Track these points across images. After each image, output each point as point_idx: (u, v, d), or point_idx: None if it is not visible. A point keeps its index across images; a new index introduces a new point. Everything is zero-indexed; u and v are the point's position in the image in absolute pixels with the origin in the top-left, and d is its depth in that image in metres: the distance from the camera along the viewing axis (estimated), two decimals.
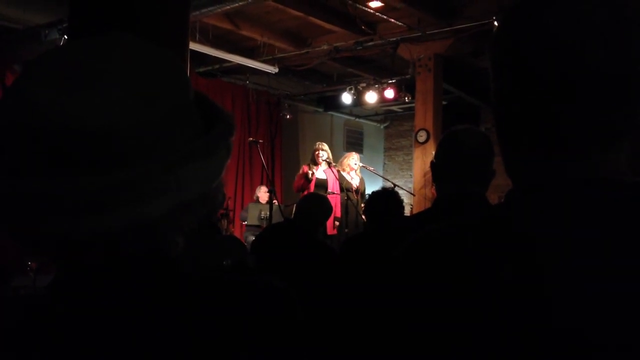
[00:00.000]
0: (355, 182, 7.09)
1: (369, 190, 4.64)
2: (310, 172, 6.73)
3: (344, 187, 6.76)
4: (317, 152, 6.89)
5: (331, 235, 6.66)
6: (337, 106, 10.40)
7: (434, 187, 2.03)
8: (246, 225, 7.68)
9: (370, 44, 7.56)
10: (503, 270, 0.60)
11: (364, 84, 8.73)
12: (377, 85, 8.57)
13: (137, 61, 0.59)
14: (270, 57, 8.15)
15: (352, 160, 7.22)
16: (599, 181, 0.61)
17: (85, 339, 0.58)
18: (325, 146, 7.00)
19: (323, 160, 6.81)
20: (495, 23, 6.10)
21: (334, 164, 7.00)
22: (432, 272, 0.65)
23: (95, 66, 0.57)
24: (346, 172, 7.10)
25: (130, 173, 0.54)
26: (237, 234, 8.11)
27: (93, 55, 0.58)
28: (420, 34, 7.18)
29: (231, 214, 8.06)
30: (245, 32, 7.56)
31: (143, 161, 0.55)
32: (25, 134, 0.54)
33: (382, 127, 12.61)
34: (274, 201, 6.65)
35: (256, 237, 4.18)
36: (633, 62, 0.60)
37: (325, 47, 7.78)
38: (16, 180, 0.54)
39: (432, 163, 1.90)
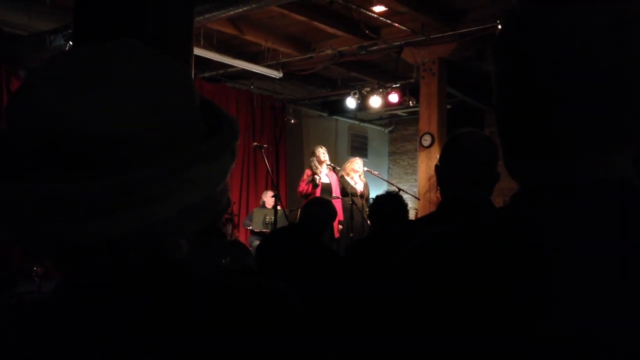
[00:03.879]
0: (359, 187, 7.09)
1: (373, 195, 4.63)
2: (317, 177, 6.73)
3: (349, 192, 6.76)
4: (318, 155, 6.91)
5: (335, 239, 6.65)
6: (341, 110, 10.40)
7: (438, 191, 2.03)
8: (251, 230, 7.69)
9: (374, 48, 7.57)
10: (507, 272, 0.60)
11: (368, 89, 8.74)
12: (381, 90, 8.59)
13: (143, 67, 0.59)
14: (275, 62, 8.16)
15: (356, 165, 7.23)
16: (605, 184, 0.61)
17: (90, 342, 0.59)
18: (323, 148, 7.01)
19: (324, 161, 6.82)
20: (499, 27, 6.09)
21: (338, 168, 7.02)
22: (436, 274, 0.65)
23: (101, 72, 0.57)
24: (350, 177, 7.10)
25: (135, 177, 0.55)
26: (242, 239, 8.11)
27: (98, 61, 0.59)
28: (424, 38, 7.18)
29: (236, 218, 8.05)
30: (249, 37, 7.58)
31: (148, 165, 0.56)
32: (32, 139, 0.54)
33: (386, 131, 12.60)
34: (279, 206, 6.65)
35: (261, 240, 4.18)
36: (636, 64, 0.60)
37: (329, 51, 7.79)
38: (23, 185, 0.54)
39: (436, 167, 1.90)
